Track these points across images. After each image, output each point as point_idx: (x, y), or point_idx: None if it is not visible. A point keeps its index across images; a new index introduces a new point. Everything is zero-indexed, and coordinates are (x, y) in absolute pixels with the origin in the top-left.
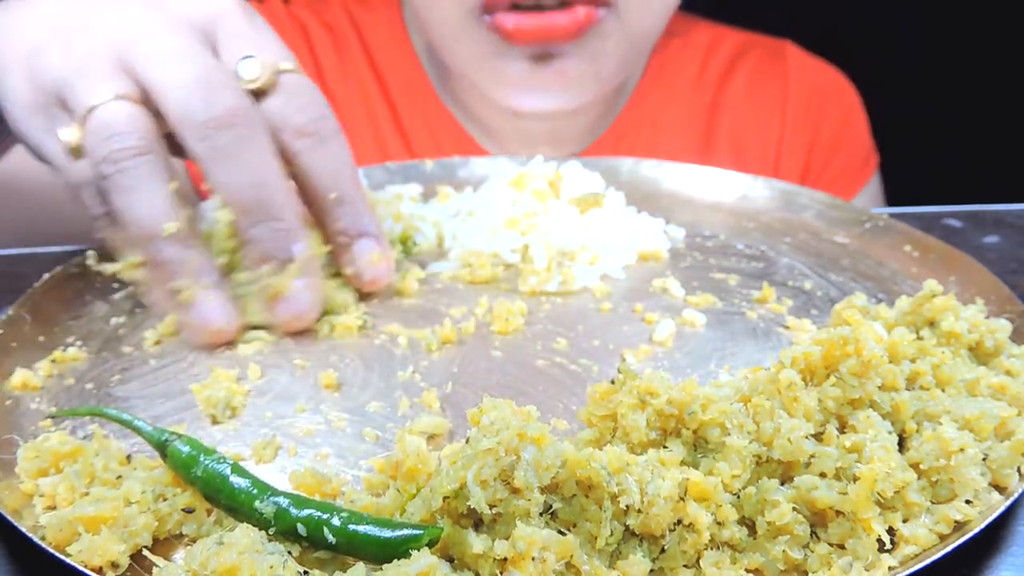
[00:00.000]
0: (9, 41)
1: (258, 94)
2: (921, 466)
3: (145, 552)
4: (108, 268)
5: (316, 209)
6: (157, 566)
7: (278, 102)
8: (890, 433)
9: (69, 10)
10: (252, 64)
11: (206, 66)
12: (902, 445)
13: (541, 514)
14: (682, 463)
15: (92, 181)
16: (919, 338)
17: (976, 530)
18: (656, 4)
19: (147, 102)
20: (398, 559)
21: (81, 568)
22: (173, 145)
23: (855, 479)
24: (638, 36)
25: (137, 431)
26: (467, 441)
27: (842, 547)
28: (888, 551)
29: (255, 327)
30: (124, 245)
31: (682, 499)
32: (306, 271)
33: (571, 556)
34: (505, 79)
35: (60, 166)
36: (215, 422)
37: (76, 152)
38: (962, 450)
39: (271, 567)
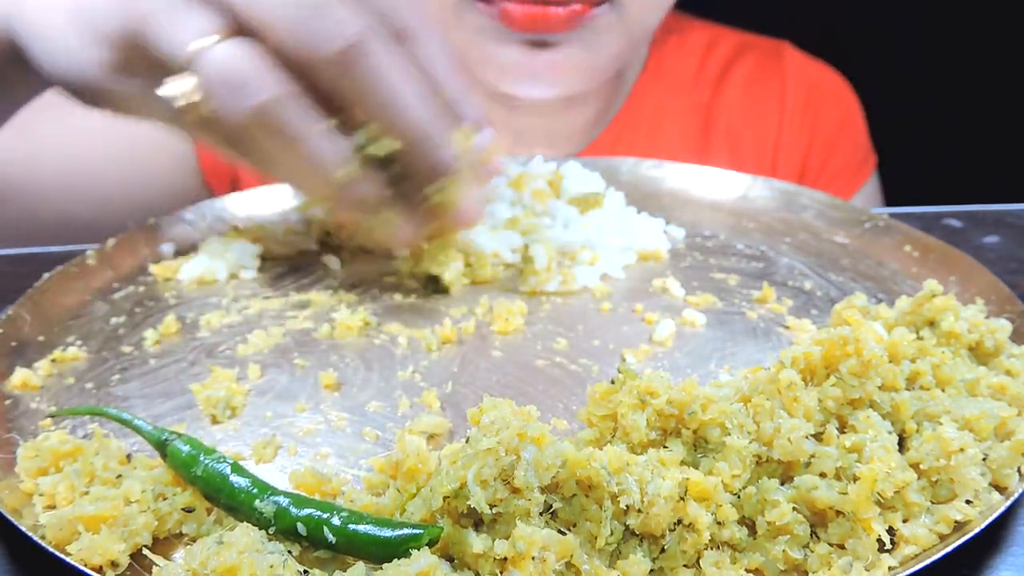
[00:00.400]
0: (43, 8)
1: None
2: (921, 466)
3: (145, 551)
4: (301, 206)
5: None
6: (157, 565)
7: (371, 6)
8: (890, 433)
9: None
10: None
11: None
12: (902, 445)
13: (541, 514)
14: (682, 463)
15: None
16: (919, 338)
17: (976, 530)
18: (657, 2)
19: (246, 32)
20: (398, 559)
21: (81, 567)
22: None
23: (855, 479)
24: (637, 30)
25: (137, 430)
26: (467, 441)
27: (842, 547)
28: (888, 551)
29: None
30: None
31: (682, 499)
32: (467, 179)
33: (571, 556)
34: (498, 64)
35: (172, 124)
36: (215, 422)
37: (191, 109)
38: (962, 450)
39: (271, 566)
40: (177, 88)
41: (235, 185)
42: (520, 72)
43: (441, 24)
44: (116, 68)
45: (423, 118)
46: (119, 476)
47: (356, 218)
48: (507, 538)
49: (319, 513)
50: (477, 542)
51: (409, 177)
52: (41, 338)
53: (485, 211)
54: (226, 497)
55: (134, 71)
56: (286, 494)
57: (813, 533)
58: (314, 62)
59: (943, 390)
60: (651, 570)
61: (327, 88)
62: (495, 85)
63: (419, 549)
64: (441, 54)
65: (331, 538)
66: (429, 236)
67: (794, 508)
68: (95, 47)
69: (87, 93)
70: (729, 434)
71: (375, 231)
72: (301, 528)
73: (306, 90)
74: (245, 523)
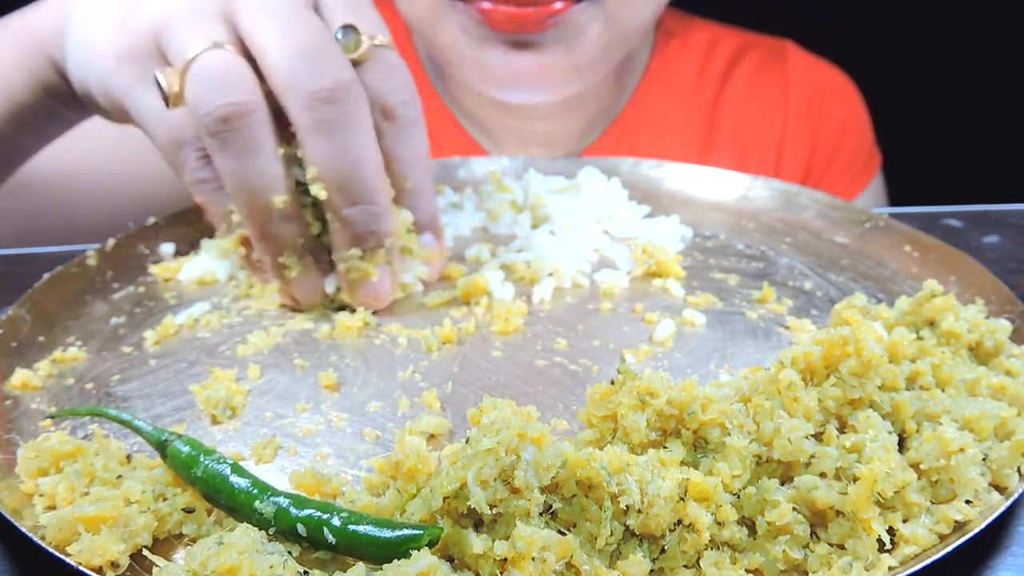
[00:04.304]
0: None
1: (354, 64)
2: (921, 466)
3: (145, 552)
4: (217, 243)
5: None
6: (157, 566)
7: (372, 77)
8: (890, 433)
9: None
10: (351, 34)
11: (314, 30)
12: (902, 445)
13: (541, 514)
14: (682, 463)
15: (193, 140)
16: (919, 338)
17: (976, 530)
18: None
19: (247, 56)
20: (398, 559)
21: (81, 568)
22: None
23: (855, 479)
24: (622, 29)
25: (137, 431)
26: (467, 441)
27: (842, 547)
28: (888, 551)
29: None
30: (224, 216)
31: (682, 499)
32: (390, 258)
33: (571, 556)
34: (481, 67)
35: (151, 122)
36: (215, 422)
37: (175, 99)
38: (962, 450)
39: (271, 567)
40: (165, 77)
41: None
42: (502, 76)
43: (426, 24)
44: (129, 58)
45: (372, 182)
46: (119, 476)
47: (272, 263)
48: (507, 538)
49: (319, 514)
50: (477, 542)
51: (333, 234)
52: (41, 338)
53: (390, 299)
54: (226, 498)
55: (142, 63)
56: (286, 495)
57: (813, 533)
58: (294, 93)
59: (943, 390)
60: (651, 570)
61: (292, 122)
62: (481, 89)
63: (419, 549)
64: (421, 146)
65: (331, 539)
66: (330, 300)
67: (794, 508)
68: (121, 32)
69: (97, 89)
70: (729, 434)
71: (283, 282)
72: (301, 529)
73: (274, 117)
74: (245, 524)
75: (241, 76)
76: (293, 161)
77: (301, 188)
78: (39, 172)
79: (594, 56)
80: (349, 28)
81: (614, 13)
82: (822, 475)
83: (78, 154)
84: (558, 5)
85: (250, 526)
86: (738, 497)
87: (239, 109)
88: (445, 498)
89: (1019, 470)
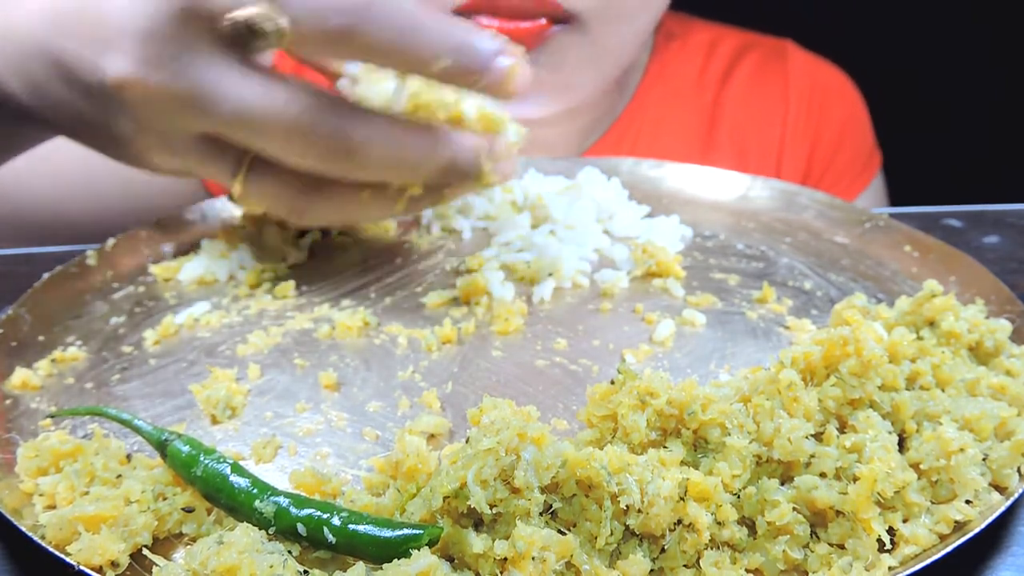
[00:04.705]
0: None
1: None
2: (921, 466)
3: (145, 551)
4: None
5: None
6: (157, 565)
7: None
8: (890, 433)
9: None
10: None
11: None
12: (902, 445)
13: (541, 514)
14: (682, 463)
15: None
16: (919, 338)
17: (976, 530)
18: (624, 23)
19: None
20: (398, 559)
21: (81, 567)
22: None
23: (855, 479)
24: (607, 52)
25: (137, 430)
26: (467, 441)
27: (842, 547)
28: (888, 551)
29: None
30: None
31: (682, 499)
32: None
33: (571, 556)
34: None
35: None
36: (215, 422)
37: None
38: (962, 450)
39: (271, 567)
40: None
41: None
42: None
43: None
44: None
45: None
46: (119, 476)
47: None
48: (507, 538)
49: (319, 513)
50: (477, 542)
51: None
52: (41, 338)
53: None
54: (226, 497)
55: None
56: (286, 494)
57: (813, 533)
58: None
59: (943, 390)
60: (651, 570)
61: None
62: None
63: (419, 549)
64: (396, 20)
65: (331, 538)
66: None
67: (794, 508)
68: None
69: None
70: (729, 434)
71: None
72: (301, 528)
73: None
74: (245, 523)
75: (283, 189)
76: None
77: None
78: (20, 177)
79: (581, 78)
80: None
81: (597, 38)
82: (822, 475)
83: (64, 159)
84: (542, 20)
85: (250, 526)
86: (738, 497)
87: (306, 211)
88: (445, 498)
89: (1019, 470)
